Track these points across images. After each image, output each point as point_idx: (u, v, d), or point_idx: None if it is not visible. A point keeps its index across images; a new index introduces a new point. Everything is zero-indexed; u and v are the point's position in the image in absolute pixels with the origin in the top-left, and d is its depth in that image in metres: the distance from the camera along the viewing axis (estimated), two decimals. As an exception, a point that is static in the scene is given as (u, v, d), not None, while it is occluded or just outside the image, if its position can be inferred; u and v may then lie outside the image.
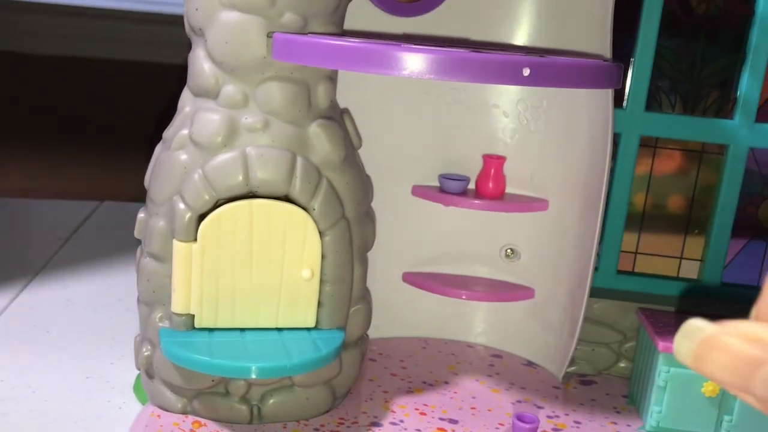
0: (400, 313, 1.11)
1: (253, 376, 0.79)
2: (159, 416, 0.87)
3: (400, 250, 1.08)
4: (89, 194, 1.69)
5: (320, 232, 0.85)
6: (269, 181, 0.82)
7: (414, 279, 1.08)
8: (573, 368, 1.07)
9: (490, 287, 1.08)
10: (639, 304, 1.05)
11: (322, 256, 0.86)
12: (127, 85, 1.91)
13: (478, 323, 1.11)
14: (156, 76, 1.86)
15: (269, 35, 0.80)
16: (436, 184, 1.06)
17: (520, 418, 0.70)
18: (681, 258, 1.11)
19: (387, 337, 1.11)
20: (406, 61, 0.74)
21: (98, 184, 1.77)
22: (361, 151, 0.99)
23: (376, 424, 0.89)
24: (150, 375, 0.89)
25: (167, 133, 0.87)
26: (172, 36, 1.82)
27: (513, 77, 0.75)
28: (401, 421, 0.90)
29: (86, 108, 1.94)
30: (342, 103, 0.95)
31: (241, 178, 0.82)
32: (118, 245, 1.41)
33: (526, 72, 0.75)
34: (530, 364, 1.08)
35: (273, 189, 0.83)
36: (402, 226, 1.07)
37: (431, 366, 1.04)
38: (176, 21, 0.87)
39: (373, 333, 1.09)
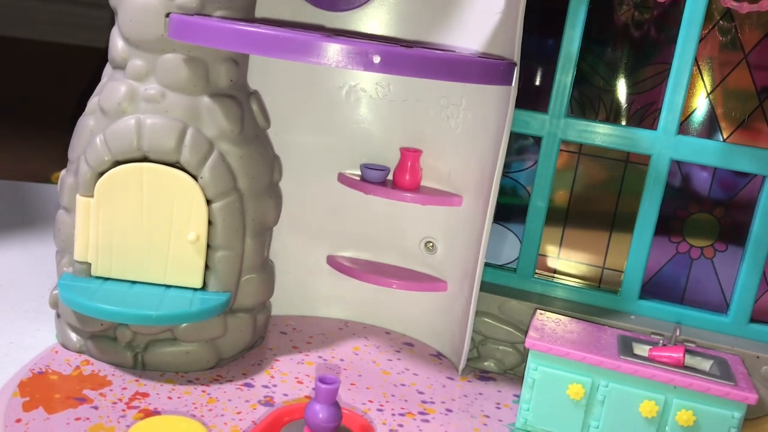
0: (324, 294, 1.16)
1: (120, 321, 0.87)
2: (57, 352, 0.96)
3: (327, 233, 1.14)
4: (37, 176, 1.67)
5: (208, 200, 0.92)
6: (158, 148, 0.90)
7: (337, 263, 1.13)
8: (486, 364, 1.09)
9: (411, 277, 1.11)
10: (551, 308, 1.05)
11: (210, 223, 0.93)
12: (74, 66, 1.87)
13: (398, 311, 1.15)
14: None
15: (167, 15, 0.89)
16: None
17: (321, 380, 0.74)
18: (603, 268, 1.10)
19: (310, 316, 1.17)
20: (266, 42, 0.80)
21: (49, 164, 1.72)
22: (291, 139, 1.06)
23: (248, 385, 0.95)
24: (59, 315, 0.99)
25: (89, 101, 0.97)
26: (97, 19, 1.78)
27: (364, 63, 0.80)
28: (274, 386, 0.95)
29: (41, 90, 1.90)
30: (271, 91, 1.02)
31: (134, 143, 0.90)
32: (33, 222, 1.39)
33: (377, 59, 0.80)
34: (438, 355, 1.10)
35: (163, 155, 0.91)
36: (329, 210, 1.13)
37: (337, 345, 1.09)
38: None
39: (294, 311, 1.15)
